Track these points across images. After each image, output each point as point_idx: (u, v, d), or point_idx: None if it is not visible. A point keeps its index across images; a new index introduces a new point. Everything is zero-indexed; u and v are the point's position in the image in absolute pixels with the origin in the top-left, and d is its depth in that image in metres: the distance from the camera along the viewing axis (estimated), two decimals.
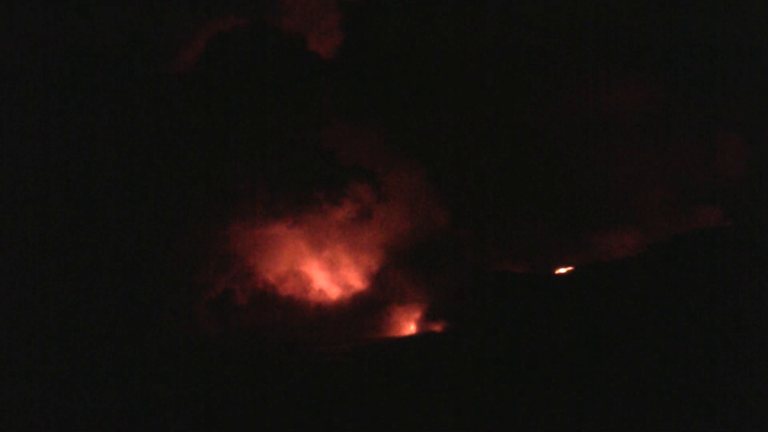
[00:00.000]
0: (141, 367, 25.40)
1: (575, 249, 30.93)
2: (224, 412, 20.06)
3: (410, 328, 29.64)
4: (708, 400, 18.55)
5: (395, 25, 32.46)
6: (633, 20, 32.43)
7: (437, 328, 28.60)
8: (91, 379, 23.89)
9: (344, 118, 32.53)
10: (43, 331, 28.74)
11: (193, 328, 30.13)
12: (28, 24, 32.60)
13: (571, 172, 31.75)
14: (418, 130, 32.02)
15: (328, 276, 31.93)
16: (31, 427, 19.81)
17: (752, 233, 25.95)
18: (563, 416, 18.59)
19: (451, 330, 27.98)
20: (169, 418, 19.82)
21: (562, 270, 29.96)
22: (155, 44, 33.30)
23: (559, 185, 31.77)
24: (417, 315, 29.57)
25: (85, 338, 28.73)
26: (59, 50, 32.51)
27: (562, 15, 32.52)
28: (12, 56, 32.28)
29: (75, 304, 29.90)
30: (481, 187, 31.66)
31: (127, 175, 31.71)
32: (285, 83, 32.20)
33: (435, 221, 31.14)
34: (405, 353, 26.28)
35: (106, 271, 30.65)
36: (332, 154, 32.15)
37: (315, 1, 33.75)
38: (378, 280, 30.78)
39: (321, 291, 31.22)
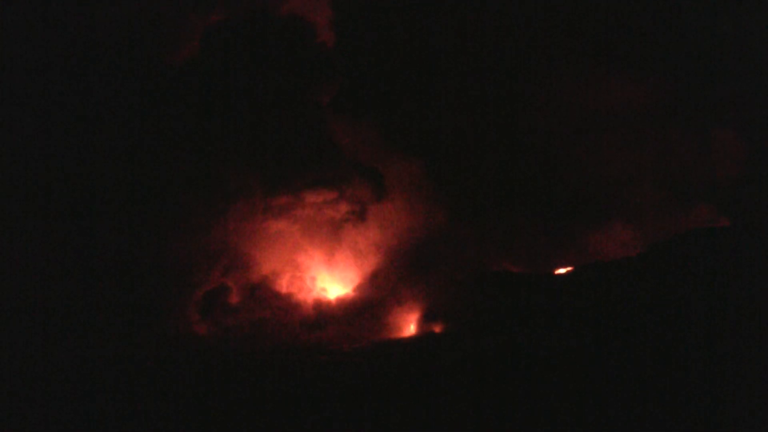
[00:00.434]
0: (134, 366, 25.27)
1: (575, 249, 30.96)
2: (221, 413, 19.94)
3: (410, 329, 29.62)
4: (708, 400, 18.60)
5: (394, 24, 32.36)
6: (628, 18, 32.42)
7: (437, 328, 28.57)
8: (81, 378, 23.77)
9: (343, 115, 32.45)
10: (31, 329, 28.56)
11: (185, 326, 30.01)
12: (23, 18, 32.32)
13: (570, 172, 31.78)
14: (417, 130, 31.98)
15: (327, 277, 31.86)
16: (21, 424, 19.63)
17: (752, 233, 26.00)
18: (563, 416, 18.62)
19: (450, 330, 27.95)
20: (163, 419, 19.69)
21: (562, 270, 29.99)
22: (153, 36, 33.03)
23: (558, 185, 31.78)
24: (416, 315, 29.55)
25: (76, 336, 28.58)
26: (56, 43, 32.22)
27: (557, 12, 32.48)
28: (9, 50, 31.98)
29: (64, 300, 29.72)
30: (481, 187, 31.63)
31: (121, 169, 31.47)
32: (282, 76, 31.99)
33: (434, 221, 31.13)
34: (405, 354, 26.26)
35: (98, 267, 30.48)
36: (332, 153, 32.05)
37: None
38: (377, 280, 30.74)
39: (319, 292, 31.16)
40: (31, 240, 30.48)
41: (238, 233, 31.42)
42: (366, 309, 30.11)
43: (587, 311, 25.51)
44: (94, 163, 31.42)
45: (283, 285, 31.25)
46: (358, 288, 30.95)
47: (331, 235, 32.02)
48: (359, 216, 31.96)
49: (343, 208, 32.11)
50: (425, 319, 29.04)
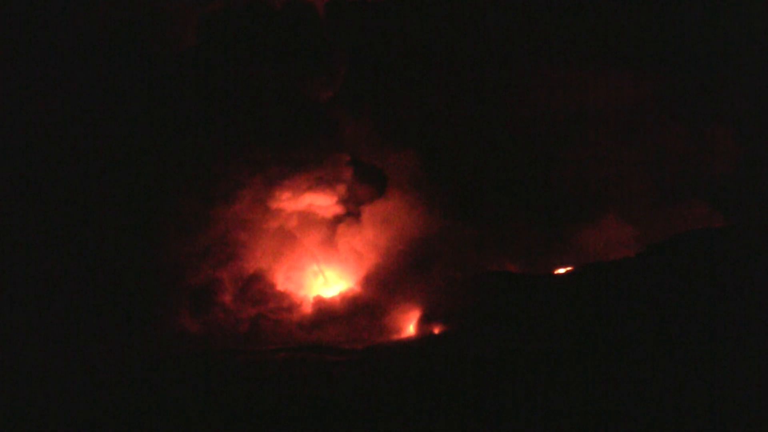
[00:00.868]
0: (130, 365, 25.18)
1: (574, 249, 31.00)
2: (216, 414, 19.85)
3: (409, 330, 29.61)
4: (708, 400, 18.62)
5: (394, 24, 32.26)
6: (623, 15, 32.41)
7: (436, 329, 28.57)
8: (72, 377, 23.69)
9: (342, 112, 32.30)
10: (27, 328, 28.44)
11: (178, 325, 29.93)
12: (19, 12, 32.04)
13: (569, 171, 31.79)
14: (417, 130, 31.91)
15: (326, 278, 31.80)
16: (18, 424, 19.54)
17: (753, 233, 26.07)
18: (563, 416, 18.59)
19: (450, 331, 27.96)
20: (157, 419, 19.61)
21: (562, 270, 30.04)
22: (148, 27, 32.76)
23: (557, 184, 31.80)
24: (416, 316, 29.54)
25: (68, 335, 28.48)
26: (53, 35, 31.95)
27: (554, 11, 32.44)
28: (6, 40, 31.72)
29: (57, 299, 29.59)
30: (481, 187, 31.61)
31: (115, 165, 31.24)
32: (280, 70, 31.71)
33: (434, 220, 31.08)
34: (404, 355, 26.25)
35: (93, 266, 30.34)
36: (330, 150, 31.92)
37: None
38: (376, 280, 30.70)
39: (318, 293, 31.10)
40: (22, 237, 30.29)
41: (234, 231, 31.28)
42: (365, 309, 30.10)
43: (587, 311, 25.57)
44: (87, 158, 31.19)
45: (280, 284, 31.18)
46: (357, 288, 30.91)
47: (328, 234, 31.97)
48: (357, 215, 31.91)
49: (342, 207, 32.05)
50: (425, 320, 29.04)
